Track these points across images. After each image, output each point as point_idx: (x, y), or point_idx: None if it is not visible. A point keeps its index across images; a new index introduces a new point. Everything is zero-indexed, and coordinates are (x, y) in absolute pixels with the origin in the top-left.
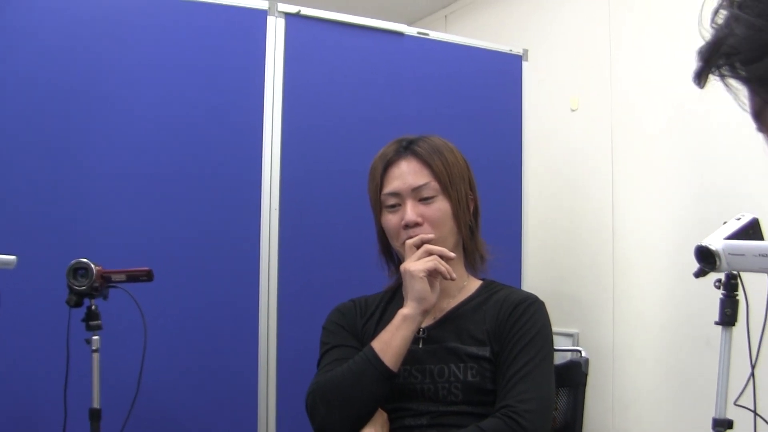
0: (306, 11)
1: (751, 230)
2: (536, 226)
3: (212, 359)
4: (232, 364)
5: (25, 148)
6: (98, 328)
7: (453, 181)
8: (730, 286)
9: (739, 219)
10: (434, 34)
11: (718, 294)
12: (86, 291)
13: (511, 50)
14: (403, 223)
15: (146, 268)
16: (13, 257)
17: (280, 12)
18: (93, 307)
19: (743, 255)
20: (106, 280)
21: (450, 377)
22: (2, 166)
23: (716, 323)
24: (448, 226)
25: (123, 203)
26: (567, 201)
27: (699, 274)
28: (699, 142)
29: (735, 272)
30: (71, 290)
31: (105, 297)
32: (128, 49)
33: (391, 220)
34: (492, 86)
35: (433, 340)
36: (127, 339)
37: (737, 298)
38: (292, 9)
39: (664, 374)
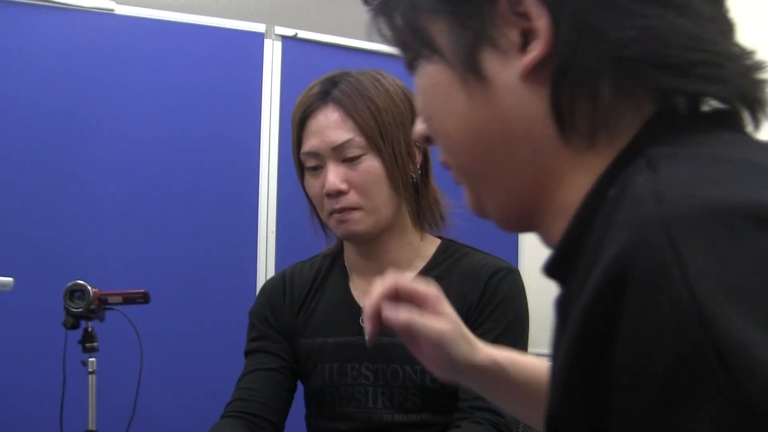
0: (303, 34)
1: None
2: (534, 245)
3: (209, 382)
4: (229, 388)
5: (22, 169)
6: (94, 350)
7: (385, 132)
8: None
9: None
10: None
11: None
12: (83, 313)
13: None
14: (324, 191)
15: (143, 291)
16: (10, 279)
17: (277, 35)
18: (89, 329)
19: None
20: (102, 302)
21: (406, 382)
22: None
23: None
24: (382, 190)
25: (120, 225)
26: None
27: None
28: None
29: None
30: (68, 312)
31: (101, 319)
32: (126, 72)
33: (313, 185)
34: None
35: (382, 331)
36: (124, 361)
37: None
38: (289, 32)
39: None
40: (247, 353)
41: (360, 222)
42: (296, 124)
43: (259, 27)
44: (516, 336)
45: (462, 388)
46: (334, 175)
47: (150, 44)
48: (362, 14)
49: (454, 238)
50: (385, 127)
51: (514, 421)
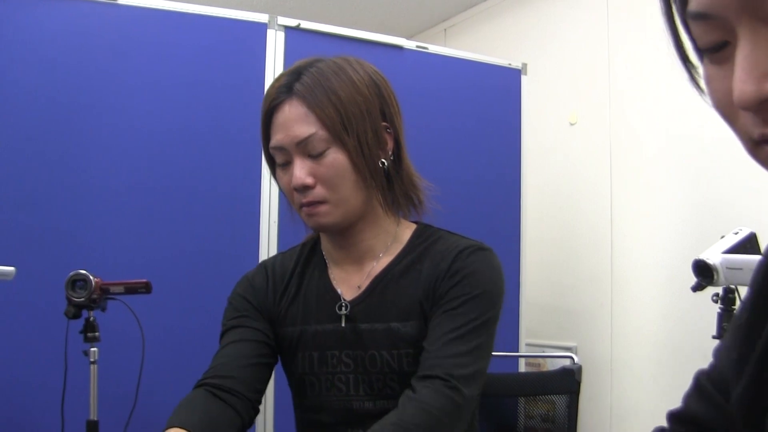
0: (306, 25)
1: (749, 244)
2: (535, 239)
3: None
4: None
5: (24, 159)
6: (96, 339)
7: (349, 123)
8: (728, 300)
9: (736, 233)
10: (433, 48)
11: (716, 308)
12: (85, 303)
13: (510, 64)
14: (291, 186)
15: (144, 280)
16: (11, 268)
17: (280, 25)
18: (91, 319)
19: (741, 269)
20: (104, 291)
21: (383, 368)
22: (1, 177)
23: (714, 337)
24: (348, 182)
25: (122, 215)
26: (565, 214)
27: (697, 288)
28: (697, 156)
29: (732, 286)
30: (70, 302)
31: (103, 309)
32: (128, 62)
33: (282, 179)
34: (491, 100)
35: (359, 318)
36: (125, 351)
37: (735, 312)
38: (292, 22)
39: (662, 388)
40: (224, 332)
41: (328, 215)
42: (263, 118)
43: (261, 17)
44: (483, 309)
45: (425, 351)
46: (300, 170)
47: (152, 34)
48: (365, 5)
49: (460, 232)
50: (348, 118)
51: (477, 373)
